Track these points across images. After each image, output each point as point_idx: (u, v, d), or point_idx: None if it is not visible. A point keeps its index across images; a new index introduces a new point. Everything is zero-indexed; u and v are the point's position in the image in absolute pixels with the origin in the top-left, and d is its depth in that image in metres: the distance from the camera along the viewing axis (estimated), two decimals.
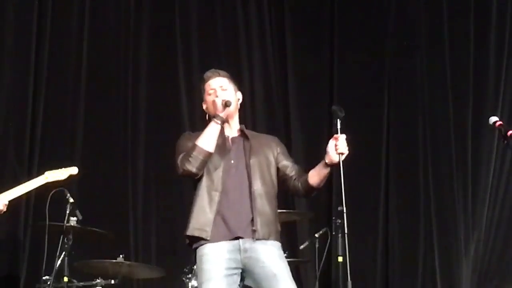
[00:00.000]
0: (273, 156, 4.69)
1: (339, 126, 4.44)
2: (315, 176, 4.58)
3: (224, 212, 4.52)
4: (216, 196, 4.52)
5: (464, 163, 7.58)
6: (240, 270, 4.52)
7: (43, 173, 5.68)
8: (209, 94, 4.69)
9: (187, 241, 4.61)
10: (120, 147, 7.54)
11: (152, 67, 7.72)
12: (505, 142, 4.79)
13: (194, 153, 4.51)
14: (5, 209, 5.45)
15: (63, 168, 5.69)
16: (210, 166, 4.56)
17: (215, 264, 4.47)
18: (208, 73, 4.74)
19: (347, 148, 4.41)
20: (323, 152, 4.60)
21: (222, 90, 4.66)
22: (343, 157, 4.41)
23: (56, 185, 5.71)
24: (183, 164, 4.56)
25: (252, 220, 4.51)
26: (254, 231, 4.49)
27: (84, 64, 7.47)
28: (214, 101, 4.61)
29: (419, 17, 7.86)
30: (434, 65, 7.78)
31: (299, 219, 7.48)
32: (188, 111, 7.64)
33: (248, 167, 4.58)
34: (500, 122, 4.88)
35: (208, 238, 4.48)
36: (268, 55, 8.03)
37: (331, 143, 4.44)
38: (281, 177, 4.71)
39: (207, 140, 4.52)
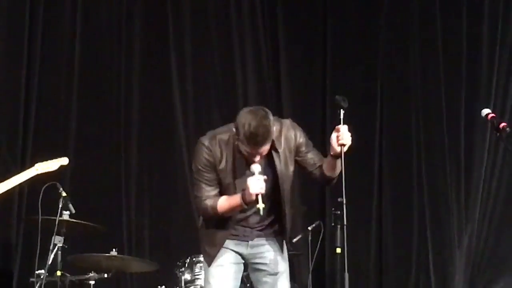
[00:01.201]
0: (295, 154, 4.55)
1: (342, 117, 4.36)
2: (328, 168, 4.50)
3: (237, 225, 4.59)
4: (232, 223, 4.55)
5: (457, 155, 7.59)
6: (243, 262, 4.66)
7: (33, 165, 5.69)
8: (247, 153, 4.35)
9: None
10: (113, 141, 7.53)
11: (145, 60, 7.71)
12: (498, 134, 4.79)
13: (212, 214, 4.49)
14: None
15: (53, 159, 5.68)
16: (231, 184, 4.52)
17: (224, 253, 4.58)
18: (253, 139, 4.28)
19: (349, 139, 4.33)
20: (318, 146, 4.61)
21: (260, 156, 4.37)
22: (345, 148, 4.33)
23: (48, 177, 5.70)
24: (200, 211, 4.58)
25: (266, 223, 4.60)
26: (280, 234, 4.62)
27: (77, 57, 7.45)
28: (248, 189, 4.30)
29: (412, 9, 7.85)
30: (427, 58, 7.79)
31: (292, 212, 7.47)
32: (180, 104, 7.63)
33: (277, 185, 4.50)
34: (493, 115, 4.88)
35: (213, 262, 4.58)
36: (261, 50, 8.02)
37: (333, 134, 4.36)
38: (300, 167, 4.62)
39: (228, 213, 4.48)
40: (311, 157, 4.56)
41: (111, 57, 7.62)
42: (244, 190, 4.34)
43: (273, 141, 4.42)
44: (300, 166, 4.60)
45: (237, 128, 4.31)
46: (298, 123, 7.61)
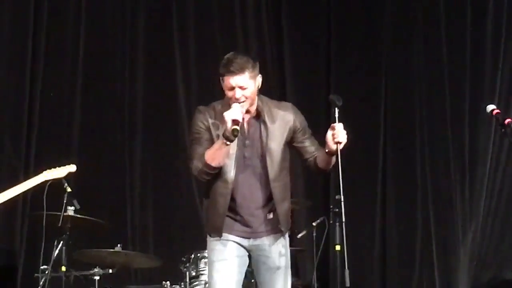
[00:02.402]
0: (289, 136, 4.62)
1: (337, 115, 4.40)
2: (322, 161, 4.58)
3: (236, 210, 4.59)
4: (228, 192, 4.54)
5: (461, 151, 7.58)
6: (248, 254, 4.66)
7: (40, 168, 5.68)
8: (227, 89, 4.52)
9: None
10: (118, 137, 7.54)
11: (149, 57, 7.71)
12: (502, 130, 4.79)
13: (203, 168, 4.49)
14: None
15: (61, 166, 5.68)
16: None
17: (227, 246, 4.59)
18: (229, 66, 4.49)
19: (345, 137, 4.37)
20: (319, 140, 4.60)
21: (241, 90, 4.47)
22: (341, 146, 4.37)
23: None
24: (193, 172, 4.56)
25: (268, 218, 4.62)
26: (281, 230, 4.65)
27: (81, 53, 7.46)
28: (225, 118, 4.37)
29: (416, 5, 7.84)
30: (431, 54, 7.77)
31: (297, 208, 7.47)
32: (185, 100, 7.63)
33: (264, 160, 4.56)
34: (497, 110, 4.87)
35: (222, 238, 4.59)
36: (265, 44, 8.02)
37: (329, 132, 4.40)
38: (296, 153, 4.70)
39: (216, 157, 4.45)
40: (309, 145, 4.65)
41: (115, 52, 7.63)
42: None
43: (262, 113, 4.55)
44: (297, 153, 4.68)
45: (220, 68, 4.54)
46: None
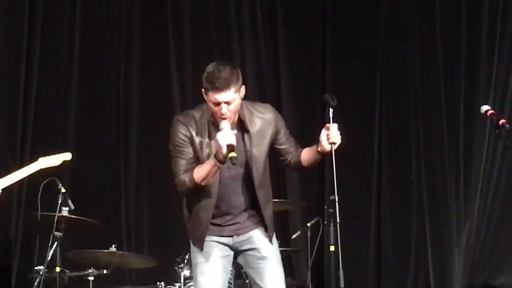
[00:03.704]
0: (272, 139, 4.59)
1: (331, 115, 4.40)
2: (308, 160, 4.59)
3: (220, 217, 4.56)
4: (211, 206, 4.51)
5: (456, 151, 7.59)
6: (233, 253, 4.63)
7: (36, 160, 5.66)
8: (212, 104, 4.38)
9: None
10: (113, 136, 7.54)
11: (144, 56, 7.71)
12: (497, 130, 4.80)
13: (192, 186, 4.45)
14: None
15: (57, 154, 5.67)
16: None
17: (211, 248, 4.56)
18: (214, 82, 4.34)
19: (339, 137, 4.38)
20: (315, 143, 4.60)
21: (227, 105, 4.35)
22: (335, 147, 4.38)
23: (49, 172, 5.68)
24: (179, 188, 4.52)
25: (252, 214, 4.59)
26: (270, 236, 4.61)
27: (76, 52, 7.46)
28: (219, 143, 4.29)
29: (411, 6, 7.85)
30: (426, 54, 7.78)
31: (291, 208, 7.49)
32: (180, 100, 7.64)
33: (248, 167, 4.51)
34: (492, 111, 4.89)
35: (203, 249, 4.56)
36: (260, 44, 8.01)
37: (323, 132, 4.40)
38: (276, 153, 4.68)
39: (206, 178, 4.40)
40: (289, 146, 4.65)
41: (110, 52, 7.62)
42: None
43: (244, 120, 4.47)
44: (277, 153, 4.67)
45: (202, 80, 4.40)
46: (298, 118, 7.70)
